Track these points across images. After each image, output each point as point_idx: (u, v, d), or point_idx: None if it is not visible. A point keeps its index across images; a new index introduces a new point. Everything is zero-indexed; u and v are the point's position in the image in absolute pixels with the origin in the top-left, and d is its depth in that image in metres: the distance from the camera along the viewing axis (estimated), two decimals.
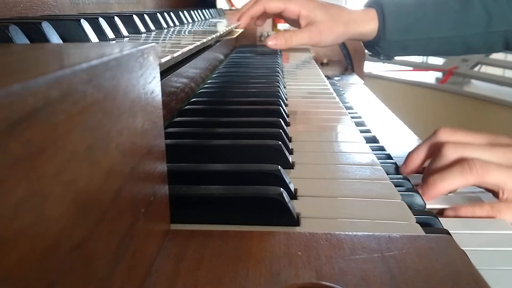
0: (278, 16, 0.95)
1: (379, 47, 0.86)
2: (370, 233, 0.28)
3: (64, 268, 0.14)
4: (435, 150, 0.43)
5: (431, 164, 0.43)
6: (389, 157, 0.48)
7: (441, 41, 0.84)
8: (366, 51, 1.01)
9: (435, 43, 0.84)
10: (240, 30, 0.88)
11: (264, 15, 0.94)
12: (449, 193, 0.41)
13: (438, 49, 0.87)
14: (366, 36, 0.87)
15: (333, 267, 0.24)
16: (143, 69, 0.22)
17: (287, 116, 0.59)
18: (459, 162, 0.40)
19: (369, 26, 0.85)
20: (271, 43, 0.88)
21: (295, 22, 0.92)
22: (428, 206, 0.39)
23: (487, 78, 2.41)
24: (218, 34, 0.63)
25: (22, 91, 0.12)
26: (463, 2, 0.81)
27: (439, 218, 0.34)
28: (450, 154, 0.41)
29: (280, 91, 0.70)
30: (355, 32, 0.86)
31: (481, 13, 0.80)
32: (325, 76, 0.96)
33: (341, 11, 0.88)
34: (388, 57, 0.90)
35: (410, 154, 0.46)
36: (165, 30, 0.62)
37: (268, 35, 1.63)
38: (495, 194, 0.40)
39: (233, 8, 0.96)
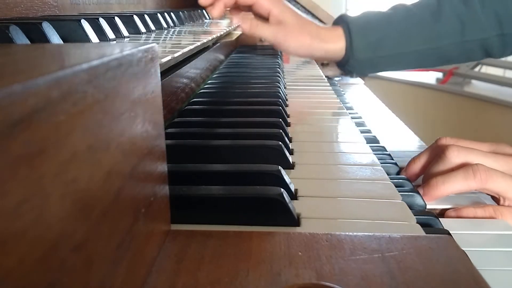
0: (247, 10, 0.93)
1: (349, 66, 0.85)
2: (370, 234, 0.28)
3: (64, 269, 0.14)
4: (437, 153, 0.43)
5: (434, 165, 0.43)
6: (389, 157, 0.48)
7: (414, 55, 0.82)
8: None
9: (407, 58, 0.83)
10: (239, 32, 0.87)
11: (236, 7, 0.92)
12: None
13: (412, 63, 0.85)
14: (331, 54, 0.85)
15: (334, 267, 0.24)
16: (144, 70, 0.22)
17: (288, 117, 0.59)
18: (463, 166, 0.40)
19: (336, 44, 0.83)
20: (235, 21, 0.86)
21: (264, 20, 0.89)
22: (429, 206, 0.39)
23: (487, 78, 2.41)
24: (218, 34, 0.63)
25: (23, 91, 0.12)
26: (434, 13, 0.79)
27: (439, 219, 0.34)
28: (453, 157, 0.41)
29: (281, 91, 0.70)
30: (320, 48, 0.84)
31: (453, 22, 0.78)
32: (326, 76, 0.96)
33: (310, 23, 0.87)
34: (362, 75, 0.90)
35: (411, 160, 0.46)
36: (166, 31, 0.62)
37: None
38: (495, 199, 0.40)
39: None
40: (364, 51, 0.82)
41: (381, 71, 0.91)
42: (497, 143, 0.44)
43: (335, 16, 0.93)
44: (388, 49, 0.81)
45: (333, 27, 0.86)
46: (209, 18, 1.02)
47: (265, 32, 0.84)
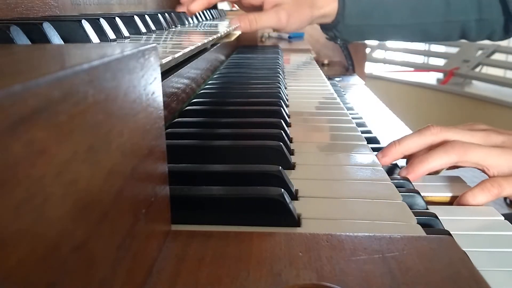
0: (238, 5, 0.91)
1: (337, 30, 0.85)
2: (371, 234, 0.28)
3: (64, 269, 0.14)
4: (420, 132, 0.46)
5: (414, 139, 0.45)
6: None
7: (400, 28, 0.84)
8: (366, 50, 1.01)
9: (393, 30, 0.84)
10: (238, 33, 0.86)
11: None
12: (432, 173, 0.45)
13: (395, 35, 0.87)
14: (326, 18, 0.85)
15: (334, 268, 0.24)
16: (144, 70, 0.22)
17: (288, 117, 0.59)
18: (443, 144, 0.43)
19: (330, 7, 0.84)
20: (234, 22, 0.84)
21: (257, 9, 0.88)
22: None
23: (488, 79, 2.41)
24: (219, 34, 0.63)
25: (23, 92, 0.12)
26: None
27: (439, 219, 0.34)
28: (433, 134, 0.44)
29: (281, 92, 0.70)
30: (319, 15, 0.84)
31: (440, 2, 0.80)
32: (326, 76, 0.96)
33: None
34: (345, 41, 0.90)
35: (392, 143, 0.46)
36: (166, 31, 0.62)
37: (269, 36, 1.63)
38: (485, 173, 0.43)
39: (234, 9, 0.95)
40: (355, 18, 0.83)
41: (364, 39, 0.94)
42: (473, 122, 0.48)
43: None
44: (377, 19, 0.83)
45: None
46: (210, 19, 1.02)
47: (267, 23, 0.83)
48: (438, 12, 0.81)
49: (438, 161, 0.42)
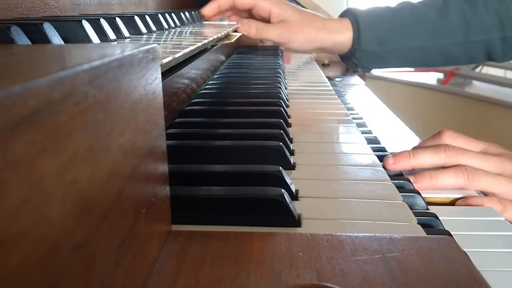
0: (248, 14, 0.92)
1: (355, 58, 0.84)
2: (371, 234, 0.28)
3: (65, 269, 0.14)
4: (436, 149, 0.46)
5: (429, 156, 0.45)
6: None
7: (419, 51, 0.82)
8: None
9: (413, 54, 0.83)
10: (238, 34, 0.87)
11: (233, 11, 0.92)
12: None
13: (417, 60, 0.85)
14: (339, 45, 0.84)
15: (334, 268, 0.24)
16: (145, 70, 0.23)
17: (288, 117, 0.59)
18: (454, 166, 0.43)
19: (344, 35, 0.83)
20: (242, 28, 0.85)
21: (264, 21, 0.89)
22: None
23: (488, 79, 2.41)
24: (220, 35, 0.63)
25: (24, 92, 0.12)
26: (440, 11, 0.79)
27: (440, 219, 0.34)
28: (449, 156, 0.44)
29: (282, 92, 0.70)
30: (327, 39, 0.84)
31: (458, 22, 0.79)
32: (326, 77, 0.96)
33: (314, 16, 0.86)
34: (366, 69, 0.89)
35: (411, 152, 0.46)
36: (167, 31, 0.62)
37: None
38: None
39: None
40: (371, 44, 0.81)
41: (386, 66, 0.91)
42: (490, 143, 0.47)
43: (336, 17, 0.92)
44: (395, 43, 0.81)
45: (340, 19, 0.85)
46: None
47: (270, 35, 0.84)
48: (458, 32, 0.79)
49: (446, 182, 0.42)
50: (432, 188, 0.43)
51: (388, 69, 2.93)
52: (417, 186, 0.42)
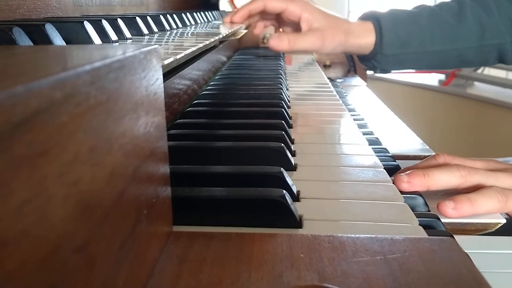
0: (277, 18, 0.93)
1: (376, 61, 0.84)
2: (372, 236, 0.28)
3: (66, 270, 0.14)
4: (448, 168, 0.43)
5: (445, 179, 0.42)
6: (391, 159, 0.48)
7: (437, 55, 0.83)
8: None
9: (430, 57, 0.83)
10: (244, 31, 0.87)
11: (263, 15, 0.92)
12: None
13: (433, 63, 0.86)
14: (363, 49, 0.84)
15: (336, 269, 0.24)
16: (146, 71, 0.23)
17: (290, 118, 0.59)
18: (487, 188, 0.40)
19: (367, 39, 0.83)
20: (273, 43, 0.83)
21: (293, 25, 0.89)
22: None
23: (490, 80, 2.41)
24: (221, 36, 0.63)
25: (25, 93, 0.12)
26: (457, 15, 0.80)
27: (441, 221, 0.34)
28: (463, 176, 0.41)
29: (283, 93, 0.70)
30: (353, 44, 0.84)
31: (474, 26, 0.79)
32: (328, 78, 0.96)
33: (339, 20, 0.86)
34: (384, 71, 0.89)
35: (400, 177, 0.44)
36: (168, 32, 0.63)
37: (270, 36, 1.63)
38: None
39: (235, 10, 0.96)
40: (393, 47, 0.82)
41: (404, 68, 0.91)
42: (486, 160, 0.45)
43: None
44: (415, 47, 0.82)
45: (363, 22, 0.85)
46: (212, 20, 1.02)
47: (304, 44, 0.84)
48: (473, 36, 0.79)
49: (485, 207, 0.39)
50: (471, 214, 0.39)
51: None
52: (456, 214, 0.38)
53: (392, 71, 0.90)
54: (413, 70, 2.87)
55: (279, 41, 0.82)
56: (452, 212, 0.38)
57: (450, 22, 0.80)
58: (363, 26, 0.84)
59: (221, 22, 1.01)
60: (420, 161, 0.46)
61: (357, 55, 0.91)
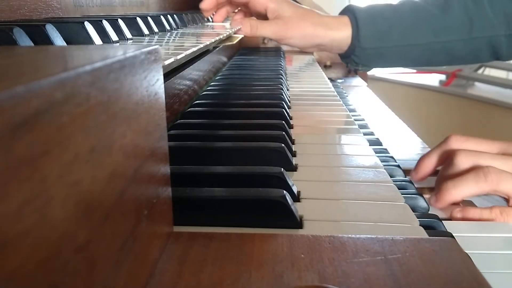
0: (244, 9, 0.92)
1: (355, 56, 0.82)
2: (373, 236, 0.28)
3: (67, 270, 0.14)
4: (447, 158, 0.44)
5: (443, 171, 0.43)
6: (392, 159, 0.48)
7: (421, 48, 0.80)
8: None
9: (414, 51, 0.81)
10: (240, 36, 0.86)
11: (229, 5, 0.91)
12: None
13: (419, 58, 0.83)
14: (338, 43, 0.82)
15: (336, 269, 0.24)
16: (147, 72, 0.23)
17: (290, 119, 0.59)
18: (474, 169, 0.40)
19: (342, 32, 0.81)
20: (234, 25, 0.83)
21: (261, 17, 0.87)
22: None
23: (491, 80, 2.40)
24: (221, 36, 0.63)
25: (26, 93, 0.12)
26: (442, 7, 0.78)
27: (443, 221, 0.34)
28: (462, 163, 0.41)
29: (283, 93, 0.70)
30: (325, 36, 0.81)
31: (461, 17, 0.77)
32: (328, 78, 0.96)
33: (311, 12, 0.84)
34: (366, 68, 0.87)
35: (420, 160, 0.46)
36: (169, 33, 0.63)
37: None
38: (506, 200, 0.40)
39: (235, 11, 0.96)
40: (371, 40, 0.80)
41: (387, 65, 0.88)
42: (507, 142, 0.44)
43: None
44: (396, 40, 0.79)
45: (339, 16, 0.83)
46: (212, 21, 1.02)
47: (265, 31, 0.83)
48: (461, 28, 0.76)
49: (467, 190, 0.39)
50: (457, 201, 0.40)
51: (390, 70, 2.93)
52: (439, 205, 0.39)
53: (376, 67, 0.88)
54: (415, 70, 2.86)
55: (242, 26, 0.82)
56: (439, 205, 0.40)
57: (435, 13, 0.78)
58: (338, 19, 0.82)
59: (221, 23, 1.01)
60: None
61: (336, 53, 0.89)
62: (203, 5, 0.85)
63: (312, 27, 0.81)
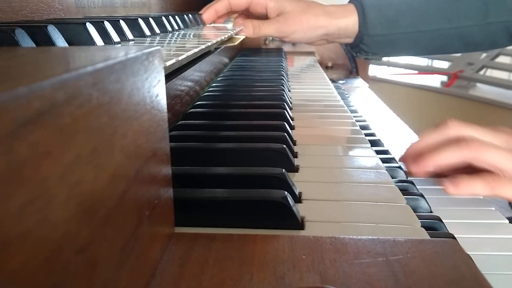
0: (245, 13, 0.90)
1: (364, 44, 0.80)
2: (374, 237, 0.28)
3: (68, 271, 0.14)
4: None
5: (431, 136, 0.42)
6: (393, 160, 0.48)
7: (433, 35, 0.77)
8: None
9: (426, 37, 0.77)
10: (241, 37, 0.86)
11: (230, 13, 0.90)
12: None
13: (431, 45, 0.79)
14: (345, 32, 0.80)
15: (338, 271, 0.24)
16: (148, 72, 0.23)
17: (292, 120, 0.59)
18: (458, 138, 0.40)
19: (348, 19, 0.78)
20: (237, 27, 0.83)
21: (262, 18, 0.87)
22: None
23: (492, 81, 2.40)
24: (223, 37, 0.63)
25: (28, 94, 0.12)
26: None
27: (444, 222, 0.34)
28: (452, 128, 0.41)
29: (285, 94, 0.70)
30: (329, 26, 0.79)
31: (475, 2, 0.73)
32: (330, 79, 0.96)
33: (313, 4, 0.82)
34: (376, 56, 0.84)
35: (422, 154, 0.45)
36: (170, 34, 0.63)
37: (273, 39, 1.63)
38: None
39: (236, 15, 0.96)
40: (379, 27, 0.77)
41: (398, 53, 0.84)
42: (497, 126, 0.44)
43: None
44: (405, 26, 0.76)
45: (344, 4, 0.80)
46: (213, 22, 1.02)
47: (268, 30, 0.82)
48: (475, 13, 0.73)
49: (449, 156, 0.39)
50: (436, 166, 0.40)
51: (390, 71, 2.92)
52: (418, 168, 0.40)
53: (386, 56, 0.85)
54: (416, 72, 2.86)
55: (244, 28, 0.81)
56: (454, 191, 0.39)
57: None
58: (343, 7, 0.80)
59: (222, 24, 1.01)
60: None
61: (344, 42, 0.87)
62: (203, 16, 0.85)
63: (314, 18, 0.80)
